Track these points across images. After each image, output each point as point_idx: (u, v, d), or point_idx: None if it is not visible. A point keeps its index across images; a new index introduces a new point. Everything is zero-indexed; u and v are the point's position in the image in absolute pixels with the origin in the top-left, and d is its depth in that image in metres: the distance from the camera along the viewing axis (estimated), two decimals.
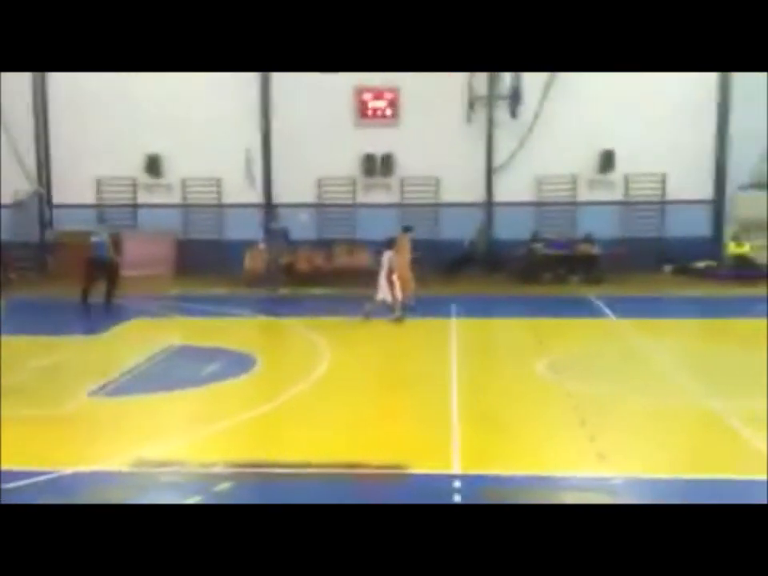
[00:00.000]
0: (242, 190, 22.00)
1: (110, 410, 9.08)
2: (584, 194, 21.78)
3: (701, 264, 20.70)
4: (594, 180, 21.61)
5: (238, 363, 11.25)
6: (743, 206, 21.46)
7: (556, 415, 8.85)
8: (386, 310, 14.72)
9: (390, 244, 15.23)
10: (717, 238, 21.57)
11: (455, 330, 13.88)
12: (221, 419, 8.55)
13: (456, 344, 12.68)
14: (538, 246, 20.67)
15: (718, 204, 21.62)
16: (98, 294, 15.98)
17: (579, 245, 20.88)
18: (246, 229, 21.19)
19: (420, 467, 7.09)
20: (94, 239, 16.46)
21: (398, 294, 14.65)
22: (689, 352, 12.42)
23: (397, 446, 7.76)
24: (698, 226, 21.48)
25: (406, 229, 16.66)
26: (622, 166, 21.28)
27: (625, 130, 20.68)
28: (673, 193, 21.48)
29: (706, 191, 21.56)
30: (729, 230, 21.34)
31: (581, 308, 16.47)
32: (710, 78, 20.79)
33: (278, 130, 21.89)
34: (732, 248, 20.75)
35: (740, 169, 21.26)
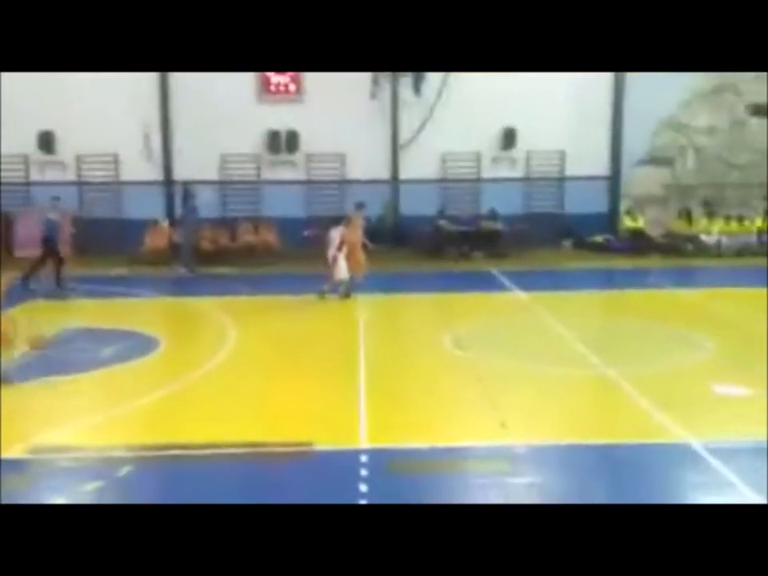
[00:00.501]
0: (140, 167, 21.32)
1: (3, 396, 8.68)
2: (487, 171, 22.13)
3: (598, 238, 21.40)
4: (497, 157, 21.97)
5: (141, 345, 10.96)
6: (638, 181, 22.31)
7: (461, 387, 9.01)
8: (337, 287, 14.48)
9: (339, 220, 14.99)
10: (613, 212, 22.33)
11: (362, 307, 13.93)
12: (122, 402, 8.32)
13: (363, 321, 12.73)
14: (443, 222, 20.91)
15: (614, 180, 22.35)
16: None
17: (483, 221, 21.24)
18: (146, 207, 20.57)
19: (326, 443, 7.10)
20: (49, 216, 15.55)
21: (341, 273, 14.37)
22: (588, 323, 12.86)
23: (303, 424, 7.74)
24: (596, 201, 22.15)
25: (359, 205, 16.25)
26: (523, 143, 21.69)
27: (526, 107, 21.06)
28: (572, 169, 22.06)
29: (603, 168, 22.24)
30: (624, 205, 22.14)
31: (485, 283, 16.78)
32: None
33: (178, 104, 21.27)
34: (627, 222, 21.55)
35: (635, 145, 22.04)
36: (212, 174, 21.48)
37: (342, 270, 14.36)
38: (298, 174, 21.87)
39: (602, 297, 15.91)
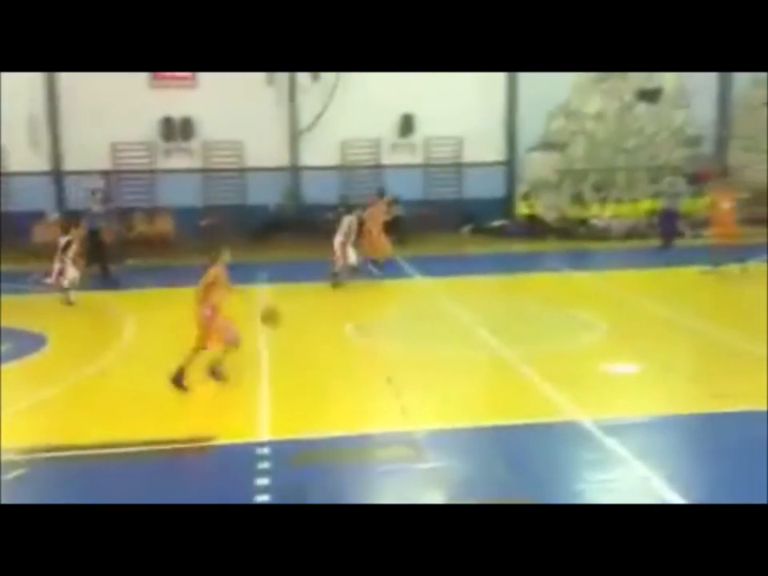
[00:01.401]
0: (27, 158, 20.33)
1: None
2: (387, 157, 22.20)
3: (496, 223, 21.83)
4: (397, 144, 22.07)
5: (27, 343, 10.47)
6: (533, 166, 22.87)
7: (364, 375, 9.02)
8: (351, 272, 14.69)
9: (350, 208, 15.28)
10: (510, 197, 22.81)
11: (264, 296, 13.72)
12: (9, 404, 7.92)
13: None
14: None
15: (509, 165, 22.82)
16: None
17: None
18: (33, 199, 19.66)
19: (227, 438, 6.97)
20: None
21: (351, 259, 14.66)
22: (487, 306, 13.09)
23: (204, 419, 7.58)
24: (493, 186, 22.56)
25: (381, 193, 16.53)
26: (422, 130, 21.87)
27: (423, 93, 21.20)
28: (469, 155, 22.39)
29: (499, 153, 22.67)
30: (520, 190, 22.65)
31: (387, 269, 16.84)
32: None
33: (66, 91, 20.36)
34: (522, 208, 22.06)
35: (529, 131, 22.56)
36: (104, 164, 20.69)
37: (351, 257, 14.66)
38: (194, 162, 21.35)
39: (501, 281, 16.22)
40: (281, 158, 21.57)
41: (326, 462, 6.50)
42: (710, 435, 7.13)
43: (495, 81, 21.97)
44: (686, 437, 7.21)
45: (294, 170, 21.82)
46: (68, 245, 13.82)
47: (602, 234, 20.75)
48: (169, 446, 6.85)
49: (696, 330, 11.01)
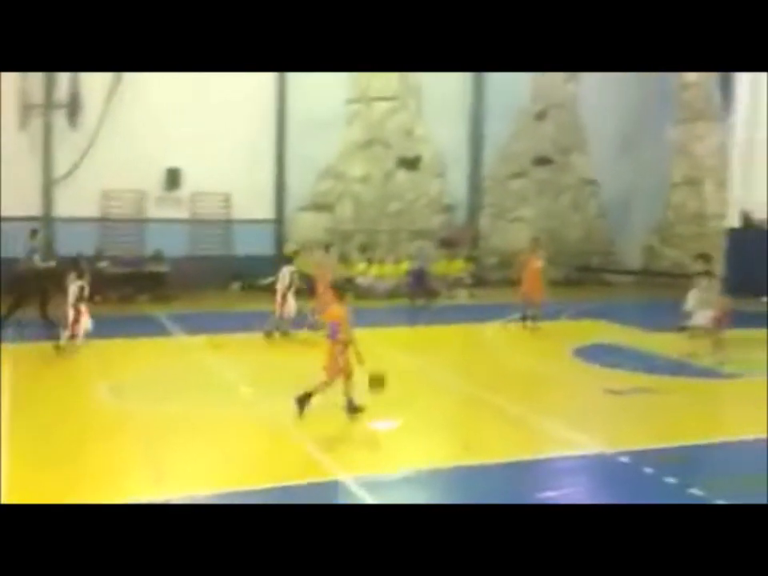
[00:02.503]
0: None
1: None
2: (152, 211, 21.46)
3: (266, 280, 21.73)
4: (162, 197, 21.42)
5: None
6: (302, 225, 23.21)
7: (117, 440, 8.42)
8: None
9: (288, 260, 15.91)
10: (279, 255, 22.89)
11: (7, 357, 12.48)
12: None
13: (9, 372, 11.38)
14: (103, 263, 19.76)
15: (279, 223, 23.00)
16: None
17: (147, 263, 20.49)
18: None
19: None
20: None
21: (291, 311, 15.04)
22: (253, 363, 12.88)
23: None
24: (263, 244, 22.57)
25: (328, 246, 17.37)
26: (189, 184, 21.44)
27: (191, 148, 20.86)
28: (239, 212, 22.28)
29: (269, 211, 22.78)
30: (289, 249, 22.81)
31: (149, 327, 16.12)
32: (269, 102, 22.10)
33: None
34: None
35: (299, 191, 22.95)
36: None
37: (290, 306, 15.02)
38: None
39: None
40: (32, 207, 20.04)
41: None
42: (461, 486, 7.42)
43: (264, 139, 22.21)
44: (441, 489, 7.45)
45: (47, 221, 20.33)
46: (82, 291, 13.18)
47: (366, 293, 21.42)
48: None
49: (451, 385, 11.58)
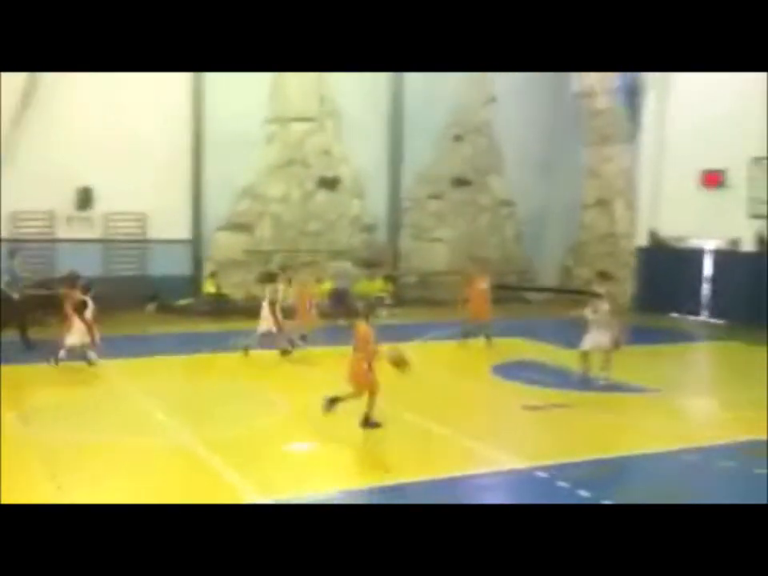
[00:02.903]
0: None
1: None
2: (63, 231, 20.79)
3: (183, 302, 21.35)
4: (73, 217, 20.78)
5: None
6: (220, 246, 22.88)
7: (22, 469, 8.05)
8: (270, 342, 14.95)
9: (272, 277, 16.26)
10: (197, 276, 22.51)
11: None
12: None
13: None
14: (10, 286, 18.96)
15: (196, 244, 22.60)
16: None
17: (57, 284, 19.77)
18: None
19: None
20: None
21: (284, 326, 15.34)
22: (170, 388, 12.57)
23: None
24: (180, 264, 22.15)
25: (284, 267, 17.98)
26: (101, 204, 20.87)
27: (103, 167, 20.33)
28: (154, 232, 21.80)
29: (186, 231, 22.38)
30: (207, 269, 22.45)
31: (56, 352, 15.53)
32: (186, 121, 21.78)
33: None
34: (207, 286, 21.82)
35: (216, 211, 22.62)
36: None
37: (268, 322, 15.28)
38: None
39: (185, 361, 15.74)
40: None
41: None
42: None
43: (181, 159, 21.87)
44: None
45: None
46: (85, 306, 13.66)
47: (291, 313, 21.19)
48: None
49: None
